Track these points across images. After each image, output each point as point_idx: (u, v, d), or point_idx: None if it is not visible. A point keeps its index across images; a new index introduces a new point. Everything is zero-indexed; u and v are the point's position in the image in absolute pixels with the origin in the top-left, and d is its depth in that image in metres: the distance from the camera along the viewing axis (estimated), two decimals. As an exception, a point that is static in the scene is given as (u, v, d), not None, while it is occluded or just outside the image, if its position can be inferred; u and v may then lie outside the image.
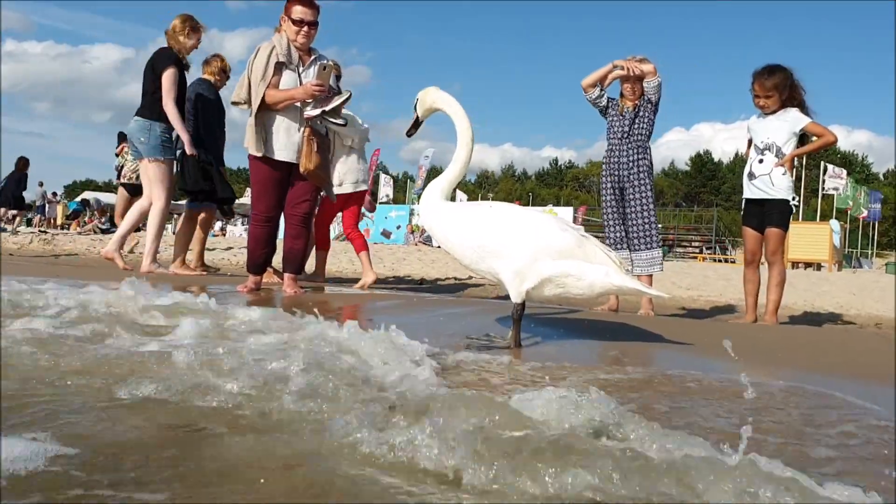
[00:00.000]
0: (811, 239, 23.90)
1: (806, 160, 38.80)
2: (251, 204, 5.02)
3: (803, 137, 5.15)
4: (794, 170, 5.10)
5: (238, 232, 37.79)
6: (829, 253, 23.19)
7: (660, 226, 5.74)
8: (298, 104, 4.92)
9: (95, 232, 21.06)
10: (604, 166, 5.61)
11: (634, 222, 5.39)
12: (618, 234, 5.46)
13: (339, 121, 5.07)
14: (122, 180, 10.72)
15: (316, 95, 4.85)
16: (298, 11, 4.88)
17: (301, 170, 4.92)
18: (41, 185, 30.58)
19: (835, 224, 25.49)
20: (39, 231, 18.45)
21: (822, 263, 22.87)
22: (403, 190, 41.14)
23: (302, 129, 4.93)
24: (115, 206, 11.68)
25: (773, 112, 5.15)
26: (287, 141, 4.92)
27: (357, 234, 6.60)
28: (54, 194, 35.84)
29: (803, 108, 5.13)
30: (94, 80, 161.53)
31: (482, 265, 2.97)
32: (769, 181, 5.09)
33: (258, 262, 5.08)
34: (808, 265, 22.49)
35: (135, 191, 10.65)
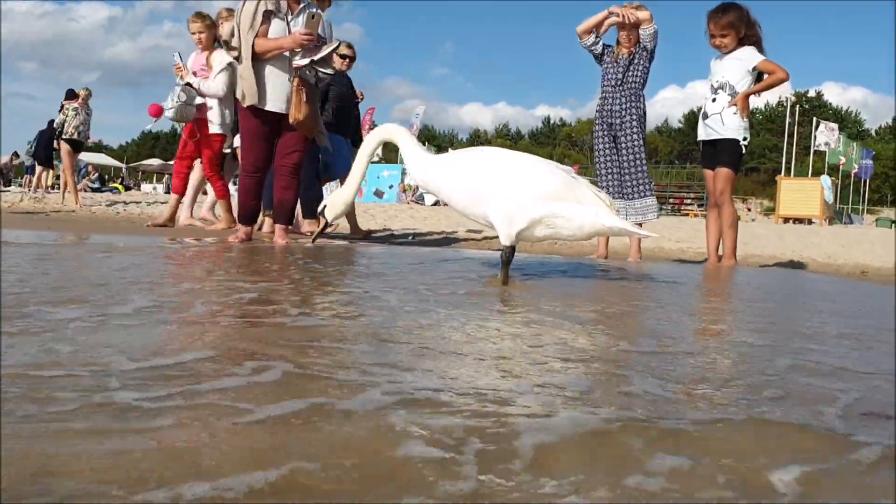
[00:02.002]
0: (802, 195, 23.96)
1: (798, 117, 38.75)
2: (241, 155, 5.00)
3: (760, 77, 5.05)
4: (747, 110, 5.03)
5: (231, 190, 37.69)
6: (820, 208, 23.27)
7: (653, 183, 5.73)
8: (287, 53, 4.88)
9: (86, 190, 20.98)
10: (596, 114, 5.57)
11: (627, 170, 5.39)
12: (611, 183, 5.44)
13: (329, 70, 5.04)
14: (64, 136, 11.46)
15: (305, 44, 4.80)
16: None
17: (290, 120, 4.87)
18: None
19: (826, 180, 25.52)
20: (29, 190, 18.38)
21: (814, 219, 22.95)
22: (395, 149, 40.85)
23: (292, 78, 4.90)
24: (64, 161, 12.14)
25: (731, 52, 5.07)
26: (277, 91, 4.88)
27: (217, 178, 6.94)
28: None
29: (760, 47, 5.04)
30: (82, 40, 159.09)
31: (476, 210, 2.99)
32: (720, 120, 5.01)
33: (249, 212, 5.08)
34: (798, 221, 22.57)
35: (76, 146, 11.86)
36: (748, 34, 5.02)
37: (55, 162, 17.15)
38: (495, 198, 2.91)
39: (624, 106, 5.38)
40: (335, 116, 6.76)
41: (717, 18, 5.04)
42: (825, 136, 30.79)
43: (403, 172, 30.32)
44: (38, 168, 18.39)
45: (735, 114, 4.96)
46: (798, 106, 42.30)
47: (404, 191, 29.50)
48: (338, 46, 4.93)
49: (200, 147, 6.89)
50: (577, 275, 3.65)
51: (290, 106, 4.88)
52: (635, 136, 5.35)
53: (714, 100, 5.07)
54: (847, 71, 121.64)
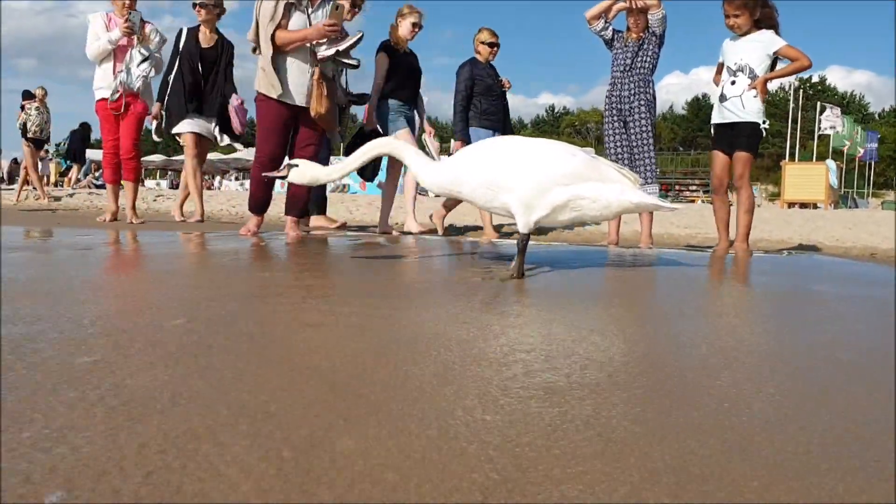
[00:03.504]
0: (807, 179, 23.86)
1: (802, 101, 38.61)
2: (257, 145, 4.99)
3: (777, 62, 5.01)
4: (766, 94, 5.00)
5: (234, 187, 37.64)
6: (825, 193, 23.17)
7: (658, 170, 5.70)
8: (308, 46, 4.89)
9: (90, 187, 20.99)
10: (606, 99, 5.56)
11: (637, 155, 5.39)
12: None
13: (352, 61, 5.09)
14: (28, 135, 12.14)
15: (329, 36, 4.84)
16: None
17: (312, 113, 4.91)
18: None
19: (831, 164, 25.44)
20: (34, 188, 18.40)
21: (819, 203, 22.87)
22: (398, 140, 40.74)
23: (312, 72, 4.92)
24: (26, 159, 12.77)
25: (746, 33, 5.01)
26: (298, 84, 4.90)
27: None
28: (47, 151, 35.48)
29: (778, 32, 5.00)
30: (80, 36, 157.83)
31: (496, 202, 2.95)
32: (740, 103, 4.96)
33: (260, 203, 5.10)
34: (804, 205, 22.50)
35: (39, 144, 12.53)
36: (764, 16, 4.96)
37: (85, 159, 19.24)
38: (515, 186, 2.88)
39: (633, 91, 5.37)
40: (481, 108, 6.38)
41: None
42: (830, 120, 30.65)
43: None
44: (74, 166, 20.25)
45: (755, 97, 4.91)
46: (801, 91, 42.12)
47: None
48: (361, 38, 4.95)
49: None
50: (593, 274, 3.64)
51: (309, 99, 4.90)
52: (643, 122, 5.35)
53: (733, 82, 5.00)
54: (852, 54, 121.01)
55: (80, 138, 19.58)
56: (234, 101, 6.78)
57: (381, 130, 6.11)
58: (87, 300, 2.00)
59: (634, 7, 5.30)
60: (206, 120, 6.80)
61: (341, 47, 4.89)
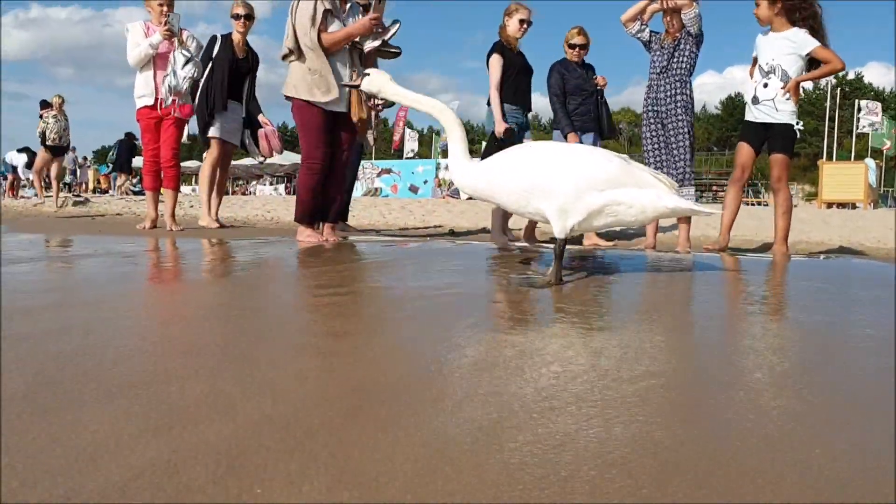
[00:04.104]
0: (846, 178, 23.38)
1: (840, 99, 37.91)
2: (304, 151, 4.99)
3: (811, 62, 4.90)
4: (799, 97, 4.92)
5: (267, 191, 38.00)
6: (864, 192, 22.70)
7: (694, 171, 5.62)
8: (347, 52, 4.97)
9: (128, 193, 21.39)
10: (644, 102, 5.51)
11: (674, 157, 5.34)
12: (661, 170, 5.33)
13: (395, 49, 5.19)
14: (47, 142, 12.46)
15: (374, 30, 4.95)
16: None
17: (354, 119, 5.02)
18: (73, 150, 31.69)
19: (870, 162, 24.90)
20: (73, 195, 18.83)
21: (858, 203, 22.42)
22: (429, 144, 40.87)
23: (351, 76, 4.96)
24: (36, 164, 13.29)
25: (779, 30, 4.92)
26: (339, 90, 4.94)
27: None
28: (85, 159, 36.30)
29: (816, 27, 4.87)
30: (117, 44, 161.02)
31: (529, 208, 2.97)
32: (773, 106, 4.92)
33: (312, 211, 5.09)
34: (842, 205, 22.06)
35: (58, 151, 12.84)
36: (800, 13, 4.85)
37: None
38: (551, 192, 2.89)
39: (669, 93, 5.32)
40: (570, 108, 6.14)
41: None
42: (869, 117, 29.98)
43: (437, 167, 30.35)
44: (122, 175, 20.89)
45: (788, 99, 4.86)
46: (839, 88, 41.35)
47: (439, 185, 29.47)
48: (399, 26, 5.05)
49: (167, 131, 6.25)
50: (635, 281, 3.62)
51: (348, 105, 4.98)
52: (681, 124, 5.30)
53: (766, 84, 4.95)
54: (892, 50, 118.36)
55: (127, 148, 20.09)
56: (266, 128, 6.92)
57: (514, 130, 5.75)
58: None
59: (667, 7, 5.26)
60: (236, 127, 6.89)
61: (386, 37, 5.01)
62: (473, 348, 1.72)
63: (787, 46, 4.87)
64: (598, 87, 6.24)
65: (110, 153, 22.80)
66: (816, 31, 4.87)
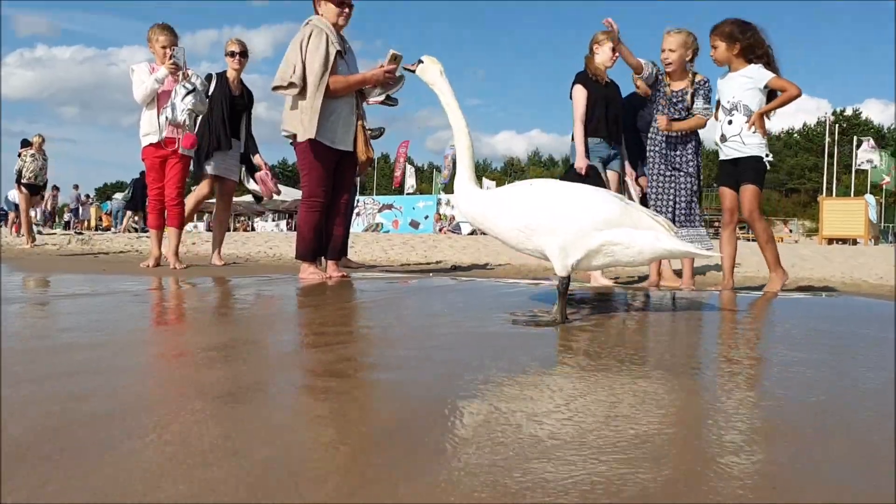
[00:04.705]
0: (846, 214, 23.48)
1: (838, 135, 38.20)
2: (307, 189, 5.03)
3: (771, 95, 4.97)
4: (764, 128, 4.95)
5: (269, 228, 38.13)
6: (865, 228, 22.76)
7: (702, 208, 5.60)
8: (353, 99, 5.06)
9: (130, 231, 21.48)
10: (650, 141, 5.48)
11: (680, 200, 5.33)
12: (666, 209, 5.33)
13: (394, 102, 5.34)
14: (23, 181, 12.54)
15: (388, 82, 5.04)
16: None
17: (363, 159, 5.10)
18: (76, 188, 32.35)
19: (870, 199, 25.03)
20: (76, 233, 18.93)
21: (858, 239, 22.46)
22: (430, 180, 41.20)
23: (356, 118, 5.08)
24: (20, 204, 13.26)
25: (732, 68, 5.02)
26: (345, 130, 5.03)
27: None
28: (87, 196, 36.59)
29: (771, 65, 4.96)
30: (121, 84, 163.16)
31: (529, 245, 3.00)
32: (740, 141, 4.96)
33: (314, 248, 5.14)
34: (842, 241, 22.10)
35: (34, 190, 12.90)
36: (755, 51, 4.95)
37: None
38: (549, 230, 2.92)
39: (679, 138, 5.34)
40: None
41: (713, 30, 5.04)
42: (867, 153, 30.19)
43: (438, 203, 30.50)
44: (136, 214, 21.13)
45: (755, 133, 4.92)
46: (837, 125, 41.67)
47: (439, 220, 29.58)
48: (403, 82, 5.14)
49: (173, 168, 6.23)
50: (641, 320, 3.62)
51: (352, 143, 5.05)
52: (691, 168, 5.32)
53: (730, 122, 5.02)
54: (890, 86, 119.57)
55: (142, 186, 20.45)
56: (262, 172, 7.00)
57: (597, 169, 5.43)
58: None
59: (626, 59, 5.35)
60: (234, 164, 6.92)
61: (391, 92, 5.12)
62: (479, 390, 1.71)
63: (746, 83, 4.95)
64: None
65: (126, 192, 23.15)
66: (770, 65, 4.95)
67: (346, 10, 5.06)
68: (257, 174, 7.01)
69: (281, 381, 1.84)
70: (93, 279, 5.04)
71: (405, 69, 3.66)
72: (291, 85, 4.89)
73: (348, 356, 2.18)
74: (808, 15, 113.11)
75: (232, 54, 6.82)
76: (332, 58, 4.87)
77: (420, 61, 3.44)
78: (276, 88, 4.99)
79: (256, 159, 7.07)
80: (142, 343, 2.47)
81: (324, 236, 5.16)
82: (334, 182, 5.14)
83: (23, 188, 12.66)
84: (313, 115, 4.84)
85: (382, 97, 5.12)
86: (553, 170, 79.01)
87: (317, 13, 5.12)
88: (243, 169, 7.06)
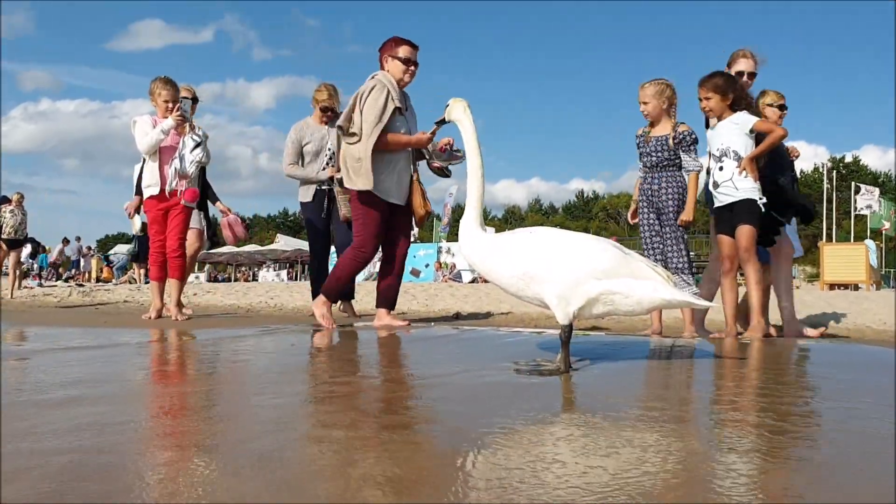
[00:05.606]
0: (847, 260, 23.46)
1: (836, 181, 38.49)
2: (358, 239, 5.08)
3: (759, 139, 5.01)
4: (755, 172, 4.99)
5: (270, 277, 38.15)
6: (866, 273, 22.74)
7: (692, 254, 5.59)
8: (410, 153, 5.20)
9: (131, 282, 21.51)
10: (639, 189, 5.51)
11: (669, 247, 5.32)
12: (657, 258, 5.30)
13: (448, 176, 5.45)
14: (3, 237, 13.06)
15: (426, 146, 5.17)
16: (407, 51, 5.14)
17: (421, 212, 5.23)
18: (78, 239, 32.60)
19: (870, 244, 25.09)
20: (77, 284, 18.94)
21: (860, 284, 22.43)
22: (430, 228, 41.37)
23: (412, 173, 5.21)
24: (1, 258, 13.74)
25: (720, 118, 5.10)
26: (399, 183, 5.14)
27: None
28: (89, 248, 36.70)
29: (752, 111, 5.07)
30: (123, 135, 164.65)
31: (528, 292, 3.00)
32: (732, 186, 4.99)
33: (343, 289, 5.50)
34: (844, 286, 22.07)
35: (13, 244, 13.41)
36: (738, 100, 5.04)
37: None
38: (549, 279, 2.92)
39: (663, 186, 5.33)
40: None
41: (702, 83, 5.12)
42: (866, 199, 30.39)
43: (439, 251, 30.57)
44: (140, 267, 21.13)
45: (746, 177, 4.95)
46: (835, 171, 42.01)
47: (439, 269, 29.59)
48: (464, 156, 5.18)
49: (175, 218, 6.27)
50: (646, 369, 3.60)
51: (405, 198, 5.19)
52: (673, 217, 5.28)
53: (721, 168, 5.06)
54: (887, 133, 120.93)
55: (146, 239, 20.58)
56: (228, 216, 7.02)
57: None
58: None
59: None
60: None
61: (452, 163, 5.28)
62: (488, 439, 1.70)
63: (733, 129, 5.02)
64: (792, 158, 5.76)
65: (132, 245, 23.49)
66: (751, 112, 5.05)
67: (412, 68, 5.18)
68: (223, 219, 7.02)
69: (281, 437, 1.82)
70: (94, 332, 5.02)
71: (436, 123, 3.78)
72: (353, 133, 4.97)
73: (355, 407, 2.17)
74: (802, 59, 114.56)
75: (194, 99, 6.77)
76: (388, 112, 4.94)
77: (446, 105, 3.54)
78: (343, 130, 5.03)
79: (219, 206, 7.09)
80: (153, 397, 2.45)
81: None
82: (389, 233, 5.21)
83: (3, 244, 13.21)
84: (367, 165, 4.89)
85: (443, 164, 5.22)
86: (553, 217, 79.49)
87: (382, 69, 5.20)
88: (200, 216, 7.09)
